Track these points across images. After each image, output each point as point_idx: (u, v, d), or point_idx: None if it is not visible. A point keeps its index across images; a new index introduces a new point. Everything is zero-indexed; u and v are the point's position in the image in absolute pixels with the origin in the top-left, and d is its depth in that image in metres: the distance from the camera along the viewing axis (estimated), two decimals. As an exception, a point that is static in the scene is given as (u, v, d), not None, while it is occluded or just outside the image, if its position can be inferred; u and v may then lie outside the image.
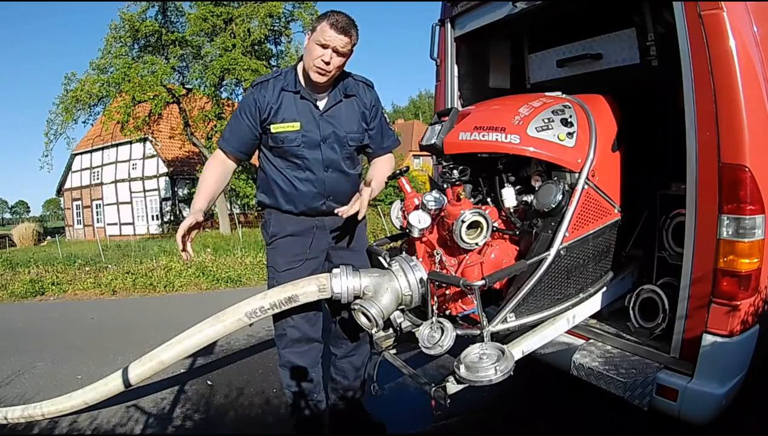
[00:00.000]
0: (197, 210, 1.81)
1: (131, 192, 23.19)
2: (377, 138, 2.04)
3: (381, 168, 2.05)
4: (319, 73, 1.80)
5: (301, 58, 1.91)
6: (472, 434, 2.28)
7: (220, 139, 1.99)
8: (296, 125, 1.87)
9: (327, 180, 1.92)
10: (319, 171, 1.90)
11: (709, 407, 1.62)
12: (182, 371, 3.19)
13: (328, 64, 1.77)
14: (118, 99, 14.27)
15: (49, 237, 23.96)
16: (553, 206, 1.68)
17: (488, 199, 2.07)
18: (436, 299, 1.66)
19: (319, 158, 1.90)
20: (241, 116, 1.90)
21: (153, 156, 22.47)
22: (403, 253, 1.88)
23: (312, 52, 1.78)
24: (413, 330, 1.88)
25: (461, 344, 1.56)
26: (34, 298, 6.54)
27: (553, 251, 1.66)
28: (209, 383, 3.02)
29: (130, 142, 19.65)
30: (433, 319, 1.59)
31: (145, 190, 23.00)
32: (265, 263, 2.07)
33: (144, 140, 20.63)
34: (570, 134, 1.77)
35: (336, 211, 1.82)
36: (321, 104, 1.91)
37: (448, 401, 1.57)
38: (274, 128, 1.87)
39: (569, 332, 1.94)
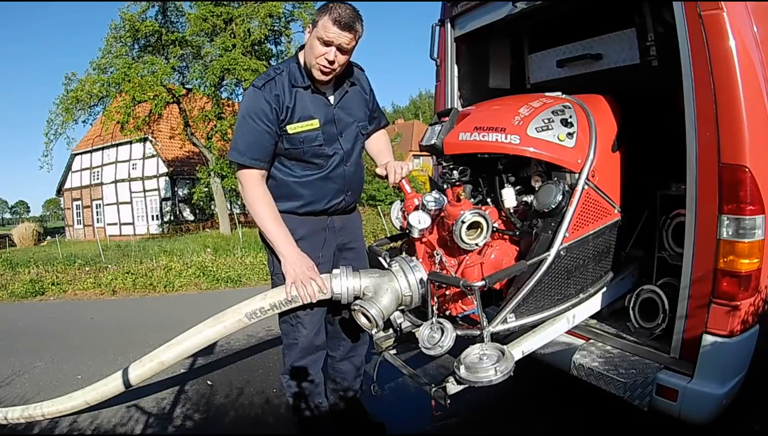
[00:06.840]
0: (297, 252, 1.75)
1: (131, 192, 23.19)
2: (376, 121, 2.07)
3: (385, 144, 2.11)
4: (323, 72, 1.72)
5: (299, 50, 1.83)
6: (472, 434, 2.28)
7: (240, 158, 1.75)
8: (315, 123, 1.78)
9: (347, 174, 1.89)
10: (339, 166, 1.86)
11: (709, 407, 1.62)
12: (182, 371, 3.19)
13: (332, 63, 1.69)
14: (118, 99, 14.28)
15: (49, 237, 23.95)
16: (553, 207, 1.68)
17: (488, 200, 2.07)
18: (436, 299, 1.66)
19: (340, 153, 1.85)
20: (256, 123, 1.72)
21: (153, 156, 22.47)
22: (403, 253, 1.88)
23: (314, 49, 1.69)
24: (413, 330, 1.88)
25: (461, 344, 1.56)
26: (34, 298, 6.54)
27: (553, 252, 1.66)
28: (209, 383, 3.02)
29: (130, 142, 19.64)
30: (433, 319, 1.59)
31: (145, 190, 23.00)
32: (270, 270, 1.96)
33: (144, 140, 20.63)
34: (570, 135, 1.77)
35: (377, 172, 1.99)
36: (331, 97, 1.85)
37: (448, 401, 1.57)
38: (291, 129, 1.75)
39: (569, 332, 1.94)
